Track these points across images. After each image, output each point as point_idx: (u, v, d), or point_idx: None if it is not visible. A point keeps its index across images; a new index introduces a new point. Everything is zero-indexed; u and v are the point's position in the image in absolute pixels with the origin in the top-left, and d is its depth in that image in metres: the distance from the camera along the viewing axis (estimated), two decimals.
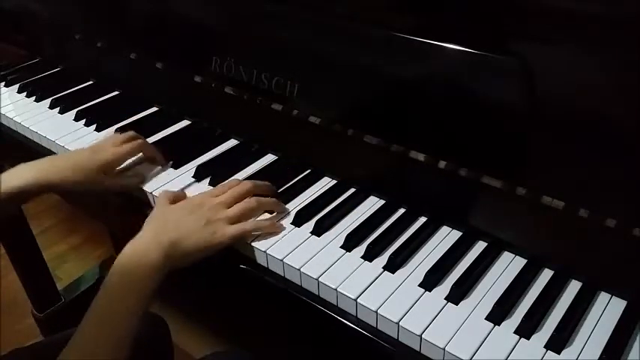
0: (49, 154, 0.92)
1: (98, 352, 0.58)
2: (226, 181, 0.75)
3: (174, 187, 0.79)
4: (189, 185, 0.80)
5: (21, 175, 0.75)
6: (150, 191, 0.79)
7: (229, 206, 0.69)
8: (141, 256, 0.62)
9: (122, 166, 0.81)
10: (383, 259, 0.66)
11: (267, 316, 0.80)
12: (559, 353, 0.56)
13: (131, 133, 0.83)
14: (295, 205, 0.75)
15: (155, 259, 0.62)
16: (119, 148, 0.79)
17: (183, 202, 0.70)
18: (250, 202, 0.70)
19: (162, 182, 0.80)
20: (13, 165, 0.89)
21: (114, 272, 0.62)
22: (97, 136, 0.93)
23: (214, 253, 0.67)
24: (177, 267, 0.64)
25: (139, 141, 0.82)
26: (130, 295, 0.61)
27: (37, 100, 1.05)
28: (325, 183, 0.80)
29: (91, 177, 0.77)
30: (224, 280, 0.77)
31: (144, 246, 0.64)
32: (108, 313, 0.60)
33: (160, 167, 0.83)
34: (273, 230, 0.70)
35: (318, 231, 0.70)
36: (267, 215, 0.73)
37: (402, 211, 0.74)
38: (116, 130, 0.93)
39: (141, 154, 0.83)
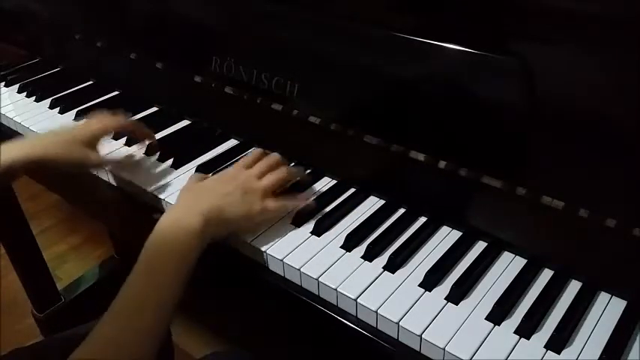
0: None
1: (137, 327, 0.56)
2: (250, 151, 0.74)
3: (175, 187, 0.79)
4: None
5: (8, 152, 0.74)
6: (149, 190, 0.79)
7: (261, 177, 0.70)
8: (180, 222, 0.61)
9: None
10: (383, 259, 0.66)
11: (267, 316, 0.80)
12: (559, 353, 0.56)
13: (120, 115, 0.83)
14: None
15: (195, 223, 0.61)
16: (102, 121, 0.80)
17: (217, 176, 0.70)
18: (281, 171, 0.71)
19: (163, 182, 0.80)
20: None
21: (152, 240, 0.60)
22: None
23: (254, 226, 0.67)
24: (215, 236, 0.63)
25: (128, 120, 0.83)
26: (170, 263, 0.59)
27: (37, 100, 1.05)
28: (325, 183, 0.80)
29: (77, 150, 0.76)
30: (224, 280, 0.77)
31: (182, 212, 0.63)
32: (146, 285, 0.58)
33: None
34: (308, 207, 0.71)
35: (318, 231, 0.70)
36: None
37: (402, 211, 0.74)
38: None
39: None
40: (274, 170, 0.71)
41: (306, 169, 0.82)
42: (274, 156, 0.74)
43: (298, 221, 0.72)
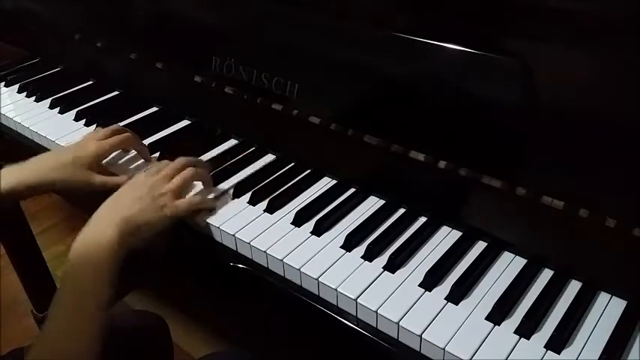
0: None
1: (67, 344, 0.59)
2: (161, 162, 0.78)
3: None
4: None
5: (9, 176, 0.75)
6: None
7: (170, 180, 0.72)
8: (97, 237, 0.64)
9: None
10: (383, 259, 0.66)
11: (267, 316, 0.80)
12: (559, 353, 0.56)
13: (114, 126, 0.85)
14: (295, 205, 0.75)
15: (110, 236, 0.64)
16: (103, 142, 0.80)
17: (128, 184, 0.73)
18: (188, 172, 0.74)
19: None
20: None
21: (73, 256, 0.63)
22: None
23: (166, 226, 0.70)
24: (132, 243, 0.66)
25: (124, 134, 0.83)
26: (91, 277, 0.62)
27: (37, 100, 1.05)
28: (325, 183, 0.80)
29: (78, 174, 0.77)
30: (224, 280, 0.77)
31: (98, 227, 0.66)
32: (72, 300, 0.61)
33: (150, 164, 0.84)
34: (213, 205, 0.74)
35: (318, 231, 0.70)
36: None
37: (402, 211, 0.74)
38: None
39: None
40: (181, 172, 0.73)
41: (306, 169, 0.82)
42: (180, 159, 0.76)
43: (298, 221, 0.72)
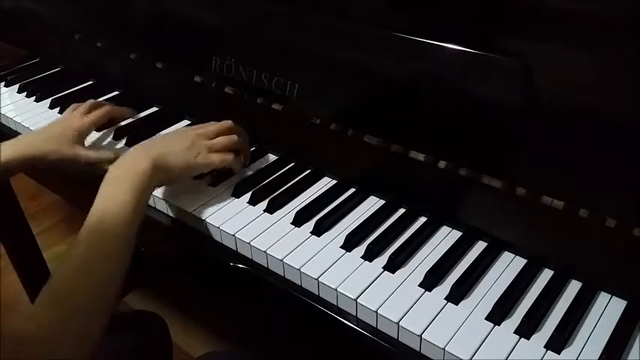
0: None
1: (95, 265, 0.59)
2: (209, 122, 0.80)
3: (176, 187, 0.79)
4: (189, 185, 0.80)
5: (3, 151, 0.79)
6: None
7: (212, 139, 0.76)
8: (133, 162, 0.68)
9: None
10: (383, 259, 0.66)
11: (267, 316, 0.80)
12: (559, 353, 0.56)
13: (91, 101, 0.91)
14: (295, 205, 0.75)
15: (145, 165, 0.67)
16: (86, 117, 0.86)
17: (171, 132, 0.78)
18: (232, 137, 0.77)
19: None
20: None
21: (109, 177, 0.66)
22: (98, 135, 0.92)
23: (195, 174, 0.75)
24: (162, 180, 0.71)
25: (105, 107, 0.89)
26: (125, 198, 0.64)
27: (37, 100, 1.05)
28: (325, 183, 0.80)
29: (65, 147, 0.82)
30: (224, 280, 0.77)
31: (134, 155, 0.70)
32: (103, 220, 0.62)
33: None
34: (242, 166, 0.79)
35: (318, 231, 0.70)
36: None
37: (402, 211, 0.74)
38: (116, 130, 0.93)
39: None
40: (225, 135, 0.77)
41: (306, 169, 0.82)
42: (227, 122, 0.79)
43: (298, 221, 0.72)
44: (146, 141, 0.74)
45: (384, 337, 0.60)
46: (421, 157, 0.69)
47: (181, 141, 0.73)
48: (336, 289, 0.63)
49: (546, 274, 0.64)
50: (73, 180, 0.87)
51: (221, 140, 0.76)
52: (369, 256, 0.67)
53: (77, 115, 0.87)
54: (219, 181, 0.80)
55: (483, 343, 0.56)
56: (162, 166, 0.69)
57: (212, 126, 0.77)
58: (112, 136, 0.92)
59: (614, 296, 0.62)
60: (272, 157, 0.86)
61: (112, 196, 0.64)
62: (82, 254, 0.60)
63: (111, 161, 0.81)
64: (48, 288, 0.57)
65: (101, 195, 0.64)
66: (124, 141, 0.90)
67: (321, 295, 0.65)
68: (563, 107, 0.60)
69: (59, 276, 0.59)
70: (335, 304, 0.64)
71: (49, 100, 1.03)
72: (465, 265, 0.65)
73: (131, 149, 0.71)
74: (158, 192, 0.78)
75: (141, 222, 0.65)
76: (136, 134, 0.90)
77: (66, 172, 0.88)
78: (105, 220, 0.62)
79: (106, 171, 0.68)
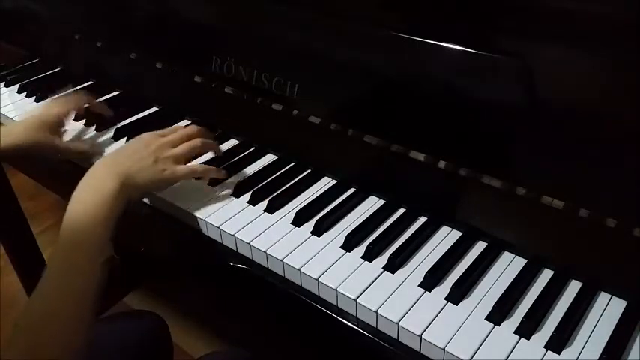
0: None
1: (63, 297, 0.59)
2: (171, 127, 0.81)
3: (176, 187, 0.79)
4: (189, 185, 0.80)
5: None
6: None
7: (175, 146, 0.74)
8: (98, 185, 0.66)
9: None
10: (383, 259, 0.66)
11: (267, 316, 0.80)
12: (559, 353, 0.56)
13: (70, 91, 0.93)
14: (295, 205, 0.75)
15: (112, 187, 0.65)
16: (61, 106, 0.87)
17: (133, 141, 0.76)
18: (195, 141, 0.76)
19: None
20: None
21: (73, 203, 0.64)
22: (98, 135, 0.92)
23: (164, 188, 0.74)
24: (130, 198, 0.68)
25: (82, 96, 0.92)
26: (91, 225, 0.63)
27: (37, 100, 1.05)
28: (325, 183, 0.80)
29: (43, 137, 0.83)
30: (224, 280, 0.77)
31: (100, 176, 0.67)
32: (70, 250, 0.61)
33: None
34: (218, 175, 0.78)
35: (318, 231, 0.70)
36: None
37: (402, 211, 0.74)
38: (117, 130, 0.93)
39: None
40: (188, 141, 0.76)
41: (306, 169, 0.82)
42: (191, 128, 0.79)
43: (298, 221, 0.72)
44: (109, 155, 0.73)
45: (384, 337, 0.60)
46: (421, 157, 0.69)
47: (146, 156, 0.71)
48: (336, 289, 0.63)
49: (546, 274, 0.64)
50: (70, 180, 0.87)
51: (184, 148, 0.75)
52: (369, 256, 0.67)
53: (55, 105, 0.88)
54: (218, 180, 0.80)
55: (483, 343, 0.56)
56: (129, 185, 0.68)
57: (174, 134, 0.76)
58: (111, 135, 0.92)
59: (614, 296, 0.61)
60: (272, 157, 0.86)
61: (79, 219, 0.63)
62: (50, 289, 0.60)
63: (85, 154, 0.86)
64: (20, 330, 0.58)
65: (68, 217, 0.63)
66: (123, 140, 0.90)
67: (321, 295, 0.65)
68: (563, 107, 0.60)
69: (29, 315, 0.59)
70: (335, 304, 0.64)
71: (49, 100, 1.03)
72: (465, 265, 0.65)
73: (95, 166, 0.69)
74: (158, 192, 0.78)
75: (113, 236, 0.65)
76: (136, 135, 0.90)
77: (47, 161, 0.90)
78: (73, 244, 0.62)
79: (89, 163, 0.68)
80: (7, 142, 0.81)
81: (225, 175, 0.79)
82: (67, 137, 0.90)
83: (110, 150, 0.88)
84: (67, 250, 0.62)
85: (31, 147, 0.83)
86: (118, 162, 0.70)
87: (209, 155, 0.85)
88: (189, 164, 0.75)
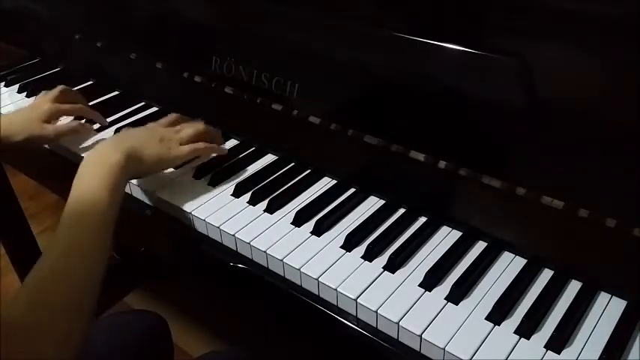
0: (49, 154, 0.93)
1: (71, 262, 0.58)
2: (173, 115, 0.84)
3: (176, 187, 0.79)
4: (189, 185, 0.80)
5: None
6: (150, 191, 0.79)
7: (179, 132, 0.78)
8: (105, 157, 0.67)
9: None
10: (383, 259, 0.66)
11: (267, 316, 0.80)
12: (559, 353, 0.56)
13: (61, 87, 0.92)
14: (295, 205, 0.75)
15: (118, 158, 0.67)
16: (57, 104, 0.89)
17: (139, 127, 0.79)
18: (197, 125, 0.80)
19: (162, 183, 0.80)
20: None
21: (81, 172, 0.65)
22: (98, 135, 0.93)
23: (167, 167, 0.78)
24: (135, 173, 0.71)
25: (78, 106, 0.93)
26: (98, 192, 0.63)
27: None
28: (325, 183, 0.80)
29: (36, 126, 0.86)
30: (224, 280, 0.77)
31: (105, 148, 0.70)
32: (78, 216, 0.61)
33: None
34: (222, 152, 0.82)
35: (318, 231, 0.70)
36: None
37: (402, 211, 0.74)
38: (116, 130, 0.93)
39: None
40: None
41: (306, 169, 0.82)
42: (195, 122, 0.82)
43: (298, 221, 0.72)
44: (116, 134, 0.76)
45: (384, 337, 0.60)
46: (421, 157, 0.69)
47: (152, 135, 0.75)
48: (336, 289, 0.63)
49: (546, 274, 0.64)
50: (70, 180, 0.88)
51: (189, 131, 0.78)
52: (369, 256, 0.67)
53: (46, 100, 0.89)
54: (206, 172, 0.81)
55: (483, 343, 0.56)
56: (135, 158, 0.69)
57: (180, 122, 0.81)
58: (112, 136, 0.92)
59: (614, 296, 0.62)
60: (272, 157, 0.86)
61: (85, 189, 0.64)
62: (58, 252, 0.59)
63: (77, 130, 0.89)
64: (25, 288, 0.56)
65: (75, 189, 0.64)
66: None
67: (321, 295, 0.65)
68: (563, 107, 0.60)
69: (36, 275, 0.57)
70: (335, 304, 0.64)
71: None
72: (465, 265, 0.65)
73: (102, 142, 0.71)
74: (158, 192, 0.78)
75: (117, 217, 0.64)
76: None
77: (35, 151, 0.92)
78: (79, 214, 0.62)
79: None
80: (6, 132, 0.84)
81: (225, 152, 0.83)
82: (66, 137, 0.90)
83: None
84: (70, 228, 0.61)
85: (20, 138, 0.85)
86: (124, 138, 0.73)
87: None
88: (191, 144, 0.77)
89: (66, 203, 0.62)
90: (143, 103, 1.01)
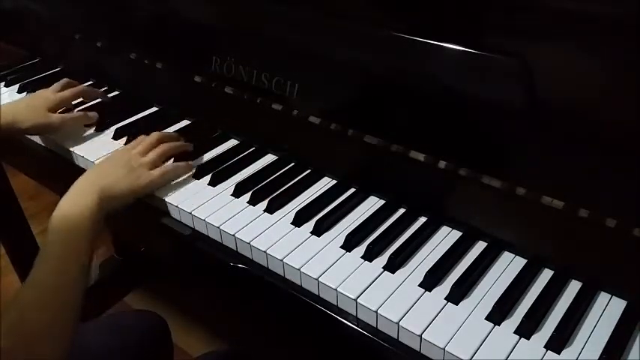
0: (49, 154, 0.93)
1: (44, 305, 0.61)
2: (138, 137, 0.84)
3: (176, 187, 0.79)
4: (189, 185, 0.80)
5: None
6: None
7: (145, 154, 0.79)
8: (78, 202, 0.70)
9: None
10: (383, 259, 0.66)
11: (267, 316, 0.80)
12: (559, 353, 0.56)
13: (65, 79, 0.97)
14: (295, 205, 0.75)
15: (90, 202, 0.70)
16: (61, 94, 0.93)
17: (107, 158, 0.81)
18: (162, 146, 0.81)
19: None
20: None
21: (54, 221, 0.68)
22: (98, 135, 0.93)
23: (143, 194, 0.77)
24: (109, 209, 0.72)
25: (78, 87, 0.97)
26: (72, 240, 0.67)
27: None
28: (325, 183, 0.80)
29: (37, 115, 0.88)
30: (224, 280, 0.77)
31: (78, 194, 0.72)
32: (53, 262, 0.65)
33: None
34: (189, 171, 0.81)
35: (318, 231, 0.70)
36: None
37: (402, 211, 0.74)
38: (116, 130, 0.93)
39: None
40: (156, 147, 0.81)
41: (306, 169, 0.82)
42: (154, 134, 0.83)
43: (298, 221, 0.72)
44: (90, 171, 0.77)
45: (384, 337, 0.60)
46: (421, 157, 0.69)
47: (121, 166, 0.76)
48: (336, 289, 0.63)
49: (546, 274, 0.64)
50: (70, 180, 0.88)
51: (155, 153, 0.79)
52: (369, 256, 0.67)
53: (50, 90, 0.93)
54: (206, 172, 0.81)
55: (483, 343, 0.56)
56: (108, 197, 0.72)
57: (142, 143, 0.81)
58: (111, 136, 0.92)
59: (614, 296, 0.62)
60: (272, 157, 0.86)
61: (64, 225, 0.68)
62: (45, 270, 0.64)
63: (81, 120, 0.92)
64: (3, 314, 0.60)
65: (53, 222, 0.68)
66: (123, 140, 0.90)
67: (321, 295, 0.65)
68: (563, 107, 0.60)
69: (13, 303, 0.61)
70: (335, 304, 0.64)
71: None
72: (465, 265, 0.65)
73: (78, 180, 0.73)
74: (158, 192, 0.78)
75: (95, 245, 0.69)
76: (136, 135, 0.90)
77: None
78: (58, 259, 0.65)
79: None
80: (7, 118, 0.86)
81: (190, 167, 0.82)
82: (66, 136, 0.90)
83: (110, 150, 0.88)
84: (50, 261, 0.65)
85: (26, 126, 0.87)
86: (95, 178, 0.74)
87: (210, 155, 0.85)
88: (160, 167, 0.79)
89: (48, 230, 0.67)
90: (143, 103, 1.01)
